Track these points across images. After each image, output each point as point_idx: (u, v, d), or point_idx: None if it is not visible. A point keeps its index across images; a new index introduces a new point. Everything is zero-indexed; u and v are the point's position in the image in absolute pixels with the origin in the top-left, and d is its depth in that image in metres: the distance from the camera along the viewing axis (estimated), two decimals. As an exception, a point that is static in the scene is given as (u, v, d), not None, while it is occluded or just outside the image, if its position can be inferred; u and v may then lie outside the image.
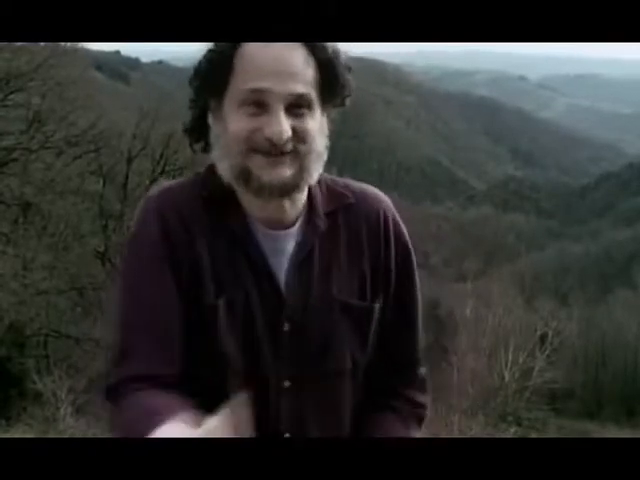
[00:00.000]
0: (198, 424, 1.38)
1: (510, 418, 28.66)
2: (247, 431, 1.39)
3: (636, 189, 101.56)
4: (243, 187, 1.65)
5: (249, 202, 1.69)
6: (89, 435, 15.42)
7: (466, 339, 32.35)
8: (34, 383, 18.33)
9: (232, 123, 1.62)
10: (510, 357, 32.04)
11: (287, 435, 1.72)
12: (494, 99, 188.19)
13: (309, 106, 1.62)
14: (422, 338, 1.89)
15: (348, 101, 1.73)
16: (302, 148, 1.62)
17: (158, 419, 1.41)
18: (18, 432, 15.83)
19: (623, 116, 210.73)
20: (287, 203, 1.69)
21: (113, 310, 1.73)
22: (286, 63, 1.59)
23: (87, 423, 16.77)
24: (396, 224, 1.83)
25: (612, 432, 31.59)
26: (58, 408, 17.00)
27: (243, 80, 1.60)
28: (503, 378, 31.30)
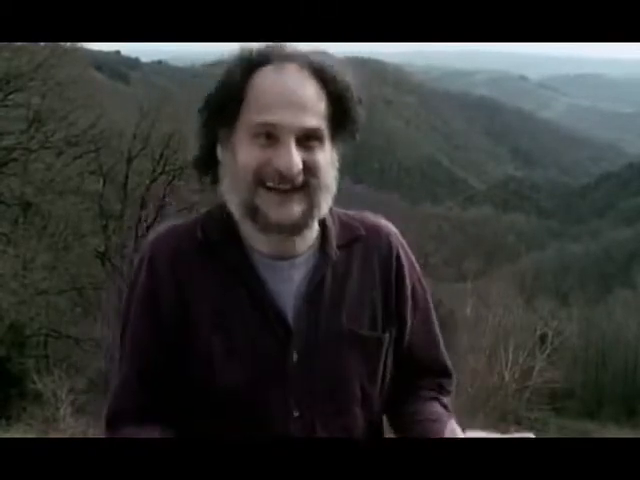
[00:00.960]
0: None
1: (510, 418, 28.64)
2: None
3: (636, 189, 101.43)
4: (251, 223, 1.64)
5: (256, 238, 1.69)
6: (89, 435, 15.42)
7: (466, 339, 32.29)
8: (34, 383, 18.31)
9: (242, 154, 1.61)
10: (510, 357, 32.01)
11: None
12: (494, 99, 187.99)
13: (320, 139, 1.61)
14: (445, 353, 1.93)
15: (358, 135, 1.72)
16: (313, 182, 1.61)
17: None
18: (18, 432, 15.83)
19: (623, 116, 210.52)
20: (297, 239, 1.68)
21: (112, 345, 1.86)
22: (298, 96, 1.58)
23: (87, 423, 16.75)
24: (406, 253, 1.85)
25: (612, 432, 31.60)
26: (58, 408, 16.98)
27: (254, 112, 1.59)
28: (503, 378, 31.28)
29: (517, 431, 1.55)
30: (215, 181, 1.71)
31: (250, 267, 1.69)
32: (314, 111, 1.60)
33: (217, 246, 1.71)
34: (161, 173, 27.67)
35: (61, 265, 24.34)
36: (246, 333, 1.67)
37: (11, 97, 24.27)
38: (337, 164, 1.70)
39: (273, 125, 1.57)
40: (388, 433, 1.88)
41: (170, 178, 27.44)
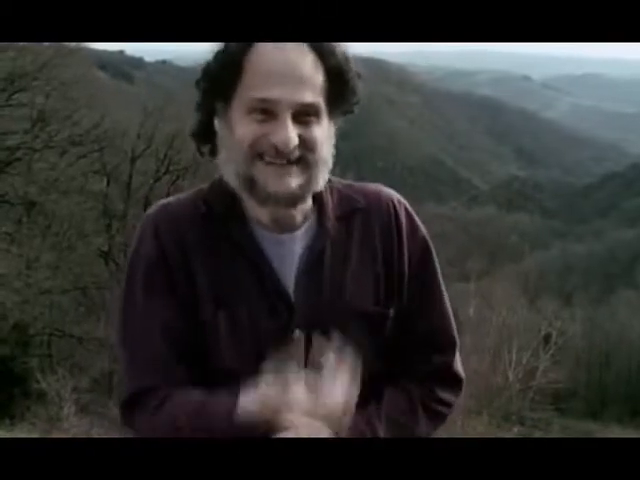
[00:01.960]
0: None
1: (514, 418, 28.62)
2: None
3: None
4: (248, 195, 1.64)
5: (254, 208, 1.68)
6: (92, 433, 15.45)
7: (470, 339, 32.23)
8: (38, 382, 18.34)
9: (239, 128, 1.61)
10: (514, 357, 31.94)
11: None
12: (498, 99, 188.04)
13: (317, 114, 1.61)
14: (453, 324, 1.83)
15: (356, 108, 1.71)
16: (309, 156, 1.61)
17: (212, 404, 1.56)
18: (22, 431, 15.86)
19: (626, 116, 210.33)
20: (293, 210, 1.68)
21: (116, 324, 1.75)
22: (295, 70, 1.58)
23: (90, 422, 16.80)
24: (409, 218, 1.80)
25: (616, 432, 31.51)
26: (62, 407, 17.01)
27: (252, 88, 1.59)
28: (507, 378, 31.21)
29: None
30: (213, 153, 1.72)
31: (252, 240, 1.69)
32: (312, 86, 1.60)
33: (220, 218, 1.70)
34: (165, 173, 27.73)
35: (65, 264, 24.38)
36: (248, 309, 1.66)
37: (15, 97, 24.31)
38: (334, 138, 1.70)
39: (270, 101, 1.57)
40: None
41: (174, 178, 27.50)
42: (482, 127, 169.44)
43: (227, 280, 1.67)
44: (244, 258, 1.68)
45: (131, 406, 1.67)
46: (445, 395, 1.80)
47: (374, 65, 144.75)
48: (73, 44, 23.84)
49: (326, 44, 1.62)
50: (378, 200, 1.78)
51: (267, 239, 1.69)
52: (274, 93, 1.57)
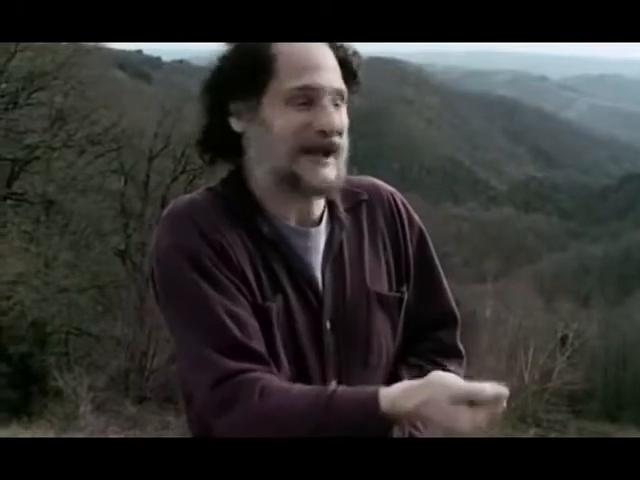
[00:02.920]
0: None
1: (529, 419, 28.51)
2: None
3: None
4: (288, 189, 1.66)
5: (283, 203, 1.69)
6: (108, 432, 15.52)
7: (486, 340, 32.16)
8: (55, 380, 18.46)
9: (278, 120, 1.62)
10: (530, 358, 31.80)
11: None
12: (515, 99, 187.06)
13: (344, 100, 1.67)
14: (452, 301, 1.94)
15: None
16: (341, 143, 1.66)
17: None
18: (39, 428, 15.95)
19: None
20: (314, 204, 1.72)
21: (172, 328, 1.65)
22: (326, 58, 1.65)
23: (107, 420, 16.87)
24: (405, 208, 1.88)
25: (632, 434, 31.30)
26: (78, 405, 17.11)
27: (288, 78, 1.62)
28: (523, 379, 31.08)
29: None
30: (214, 162, 1.74)
31: (281, 234, 1.69)
32: (338, 73, 1.66)
33: (244, 214, 1.69)
34: (182, 172, 27.77)
35: (82, 263, 24.52)
36: (285, 305, 1.66)
37: (34, 96, 24.47)
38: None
39: (311, 88, 1.61)
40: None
41: (191, 177, 27.52)
42: (499, 127, 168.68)
43: (264, 270, 1.67)
44: (275, 251, 1.68)
45: (225, 391, 1.54)
46: (453, 368, 1.84)
47: (392, 65, 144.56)
48: (92, 44, 23.98)
49: None
50: (378, 192, 1.86)
51: (294, 233, 1.71)
52: (314, 80, 1.61)
